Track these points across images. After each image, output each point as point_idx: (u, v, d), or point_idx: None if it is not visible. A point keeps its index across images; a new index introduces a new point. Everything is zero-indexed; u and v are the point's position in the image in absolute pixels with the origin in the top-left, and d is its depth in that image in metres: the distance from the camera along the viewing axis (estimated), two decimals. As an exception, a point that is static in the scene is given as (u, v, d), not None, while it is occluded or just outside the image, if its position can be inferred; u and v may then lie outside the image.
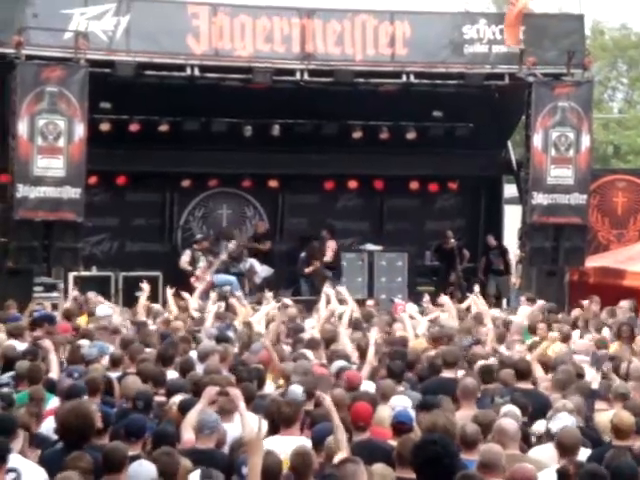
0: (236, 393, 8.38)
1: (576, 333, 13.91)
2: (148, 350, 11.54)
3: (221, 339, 12.27)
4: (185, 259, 19.93)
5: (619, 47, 41.08)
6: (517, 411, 8.58)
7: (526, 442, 8.39)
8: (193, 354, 11.32)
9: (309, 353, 11.55)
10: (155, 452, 7.34)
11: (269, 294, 15.54)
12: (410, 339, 12.73)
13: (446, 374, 10.66)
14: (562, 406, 8.78)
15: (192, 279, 19.04)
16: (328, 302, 14.42)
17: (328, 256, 20.40)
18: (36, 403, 8.91)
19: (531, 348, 12.23)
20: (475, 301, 15.42)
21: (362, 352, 11.59)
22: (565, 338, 13.16)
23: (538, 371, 10.84)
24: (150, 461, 6.99)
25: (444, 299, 15.39)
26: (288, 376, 10.22)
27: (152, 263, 19.95)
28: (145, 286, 15.31)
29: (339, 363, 10.73)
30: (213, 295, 15.49)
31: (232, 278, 19.39)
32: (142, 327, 13.44)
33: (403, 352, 11.47)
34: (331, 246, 20.57)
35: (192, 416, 8.17)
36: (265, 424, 8.62)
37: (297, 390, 9.23)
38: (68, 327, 13.28)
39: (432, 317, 14.49)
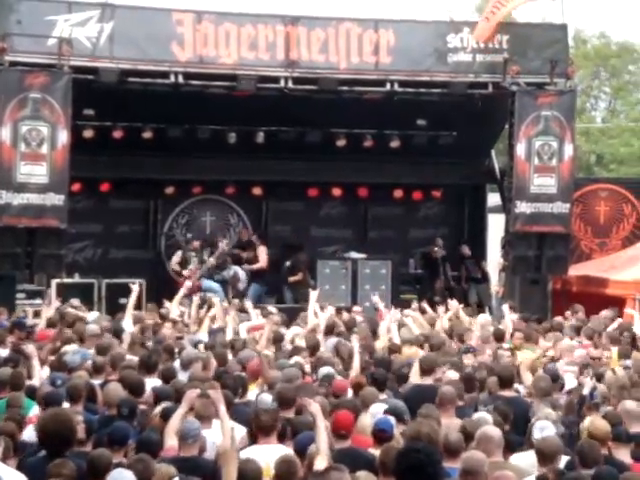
0: (217, 396, 8.34)
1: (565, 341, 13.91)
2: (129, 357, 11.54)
3: (207, 346, 12.26)
4: (176, 259, 20.01)
5: (601, 56, 41.27)
6: (489, 418, 8.57)
7: (508, 449, 8.40)
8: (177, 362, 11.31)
9: (298, 359, 11.56)
10: (129, 459, 7.33)
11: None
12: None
13: (425, 381, 10.68)
14: (545, 415, 8.81)
15: (181, 279, 19.01)
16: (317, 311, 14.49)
17: (262, 261, 20.29)
18: (16, 410, 8.85)
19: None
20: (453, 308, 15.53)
21: (343, 360, 11.63)
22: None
23: (528, 379, 10.87)
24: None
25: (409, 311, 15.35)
26: (274, 384, 10.20)
27: (136, 270, 19.88)
28: (135, 287, 15.21)
29: (324, 370, 10.73)
30: (195, 299, 15.48)
31: (216, 285, 19.39)
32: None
33: (388, 360, 11.47)
34: (262, 252, 20.44)
35: (174, 422, 8.14)
36: (244, 431, 8.64)
37: (266, 398, 9.23)
38: (48, 334, 13.21)
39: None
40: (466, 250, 21.60)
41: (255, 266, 20.41)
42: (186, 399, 8.34)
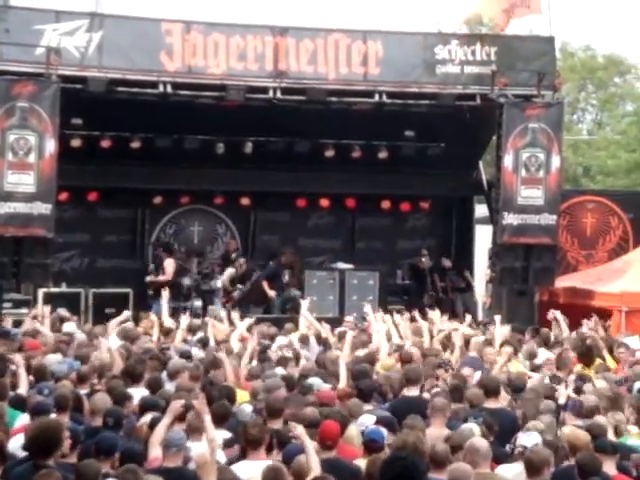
0: (201, 407, 8.34)
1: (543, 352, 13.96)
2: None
3: (186, 357, 12.24)
4: (229, 276, 20.32)
5: (587, 69, 41.40)
6: (476, 430, 8.58)
7: (494, 460, 8.41)
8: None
9: (279, 370, 11.55)
10: (119, 470, 7.31)
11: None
12: (381, 358, 12.76)
13: (410, 392, 10.67)
14: (532, 426, 8.83)
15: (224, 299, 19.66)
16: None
17: (167, 274, 19.92)
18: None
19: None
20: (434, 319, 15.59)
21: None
22: (531, 356, 13.35)
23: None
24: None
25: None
26: (256, 394, 10.20)
27: (123, 280, 19.89)
28: (126, 313, 15.24)
29: (313, 381, 10.73)
30: (186, 314, 15.46)
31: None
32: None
33: (365, 370, 11.44)
34: (169, 264, 20.04)
35: (159, 432, 8.13)
36: (227, 435, 8.63)
37: (246, 409, 9.23)
38: (36, 344, 13.18)
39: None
40: (447, 263, 21.70)
41: (160, 278, 19.85)
42: (170, 410, 8.34)
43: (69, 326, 15.28)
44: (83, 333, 14.52)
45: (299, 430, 7.94)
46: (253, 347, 12.56)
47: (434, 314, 16.05)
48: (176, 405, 8.37)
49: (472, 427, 8.67)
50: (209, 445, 7.95)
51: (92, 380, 10.84)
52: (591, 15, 58.50)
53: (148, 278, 19.98)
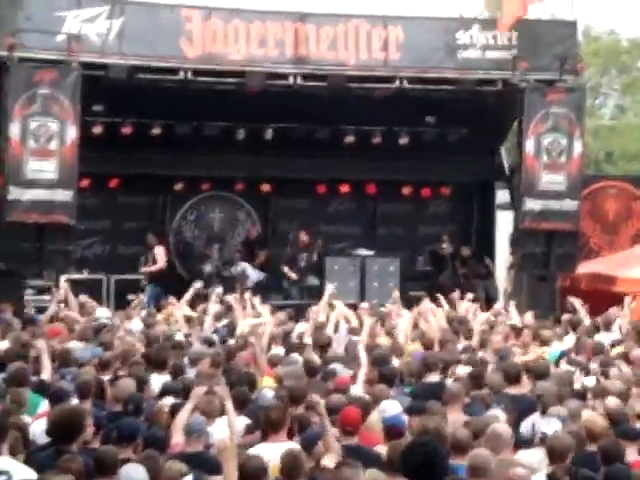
0: (223, 393, 8.38)
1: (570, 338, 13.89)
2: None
3: (210, 343, 12.27)
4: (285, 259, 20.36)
5: (610, 53, 41.15)
6: (500, 416, 8.57)
7: (514, 446, 8.40)
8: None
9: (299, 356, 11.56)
10: (139, 456, 7.35)
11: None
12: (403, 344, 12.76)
13: (431, 378, 10.67)
14: (553, 411, 8.80)
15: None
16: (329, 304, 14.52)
17: (160, 262, 19.91)
18: (17, 406, 8.85)
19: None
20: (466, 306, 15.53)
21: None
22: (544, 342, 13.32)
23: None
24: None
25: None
26: (281, 379, 10.22)
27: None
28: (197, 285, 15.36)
29: (334, 366, 10.74)
30: (214, 297, 15.49)
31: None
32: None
33: (385, 356, 11.43)
34: (160, 252, 20.03)
35: (182, 418, 8.18)
36: (244, 423, 8.65)
37: (267, 394, 9.25)
38: (60, 330, 13.24)
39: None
40: (466, 251, 21.56)
41: (153, 267, 19.87)
42: (193, 396, 8.38)
43: (102, 311, 15.34)
44: (116, 318, 14.57)
45: (321, 405, 7.98)
46: (271, 332, 12.60)
47: (455, 295, 15.99)
48: (199, 391, 8.41)
49: (497, 413, 8.65)
50: (230, 430, 7.99)
51: (115, 366, 10.88)
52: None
53: (142, 269, 19.89)
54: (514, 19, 18.79)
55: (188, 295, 15.88)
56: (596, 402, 9.55)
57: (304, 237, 20.51)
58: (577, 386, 10.42)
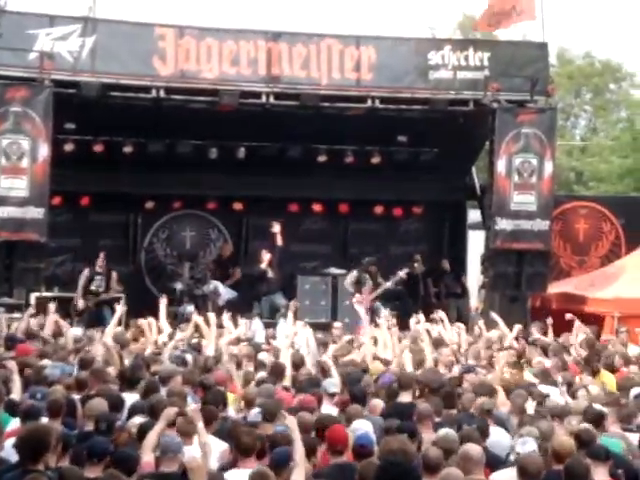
0: (195, 414, 8.35)
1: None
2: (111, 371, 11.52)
3: (180, 362, 12.22)
4: (351, 280, 19.92)
5: (584, 75, 41.51)
6: (454, 435, 8.57)
7: (488, 466, 8.40)
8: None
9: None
10: (102, 475, 7.29)
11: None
12: (368, 362, 12.77)
13: (403, 398, 10.61)
14: (527, 432, 8.81)
15: (353, 299, 19.22)
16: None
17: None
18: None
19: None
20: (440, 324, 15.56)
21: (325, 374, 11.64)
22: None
23: (500, 396, 10.88)
24: None
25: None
26: (251, 400, 10.19)
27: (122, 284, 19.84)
28: (119, 307, 15.22)
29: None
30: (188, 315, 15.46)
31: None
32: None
33: (358, 376, 11.44)
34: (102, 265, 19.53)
35: (152, 438, 8.13)
36: (224, 447, 8.62)
37: (258, 416, 9.22)
38: (29, 348, 13.15)
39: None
40: (446, 265, 21.63)
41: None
42: (164, 416, 8.34)
43: (75, 330, 15.23)
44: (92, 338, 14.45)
45: (290, 420, 7.98)
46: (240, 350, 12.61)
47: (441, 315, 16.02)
48: (169, 412, 8.38)
49: (442, 431, 8.66)
50: (202, 449, 7.97)
51: (89, 385, 10.82)
52: (591, 21, 58.66)
53: (102, 297, 19.39)
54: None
55: (163, 312, 15.81)
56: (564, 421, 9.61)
57: (265, 255, 20.26)
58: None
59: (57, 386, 10.42)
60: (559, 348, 14.39)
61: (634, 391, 11.12)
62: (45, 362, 11.80)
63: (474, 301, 21.74)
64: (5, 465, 7.87)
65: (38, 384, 10.54)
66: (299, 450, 7.68)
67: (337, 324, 16.98)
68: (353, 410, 9.55)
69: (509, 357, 13.15)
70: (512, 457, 8.36)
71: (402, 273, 20.05)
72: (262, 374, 11.73)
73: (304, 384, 11.12)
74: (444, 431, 8.64)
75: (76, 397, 10.14)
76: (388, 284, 19.83)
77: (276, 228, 19.86)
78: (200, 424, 8.22)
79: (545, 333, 16.02)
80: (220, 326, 15.54)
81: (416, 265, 21.37)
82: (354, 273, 20.02)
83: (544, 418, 9.58)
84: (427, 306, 20.79)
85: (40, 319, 15.29)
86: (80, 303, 18.92)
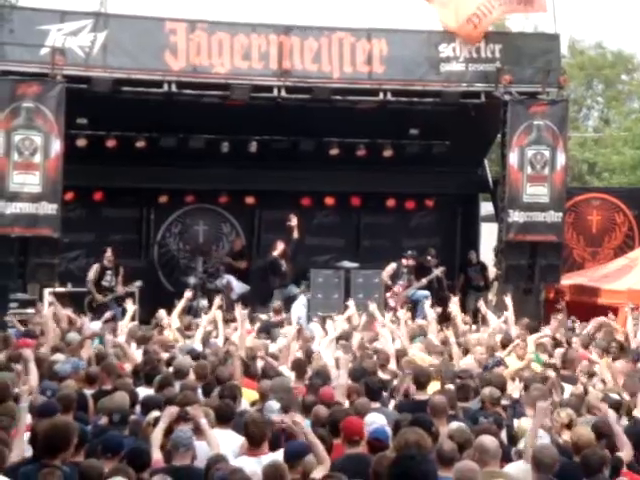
0: (195, 412, 8.39)
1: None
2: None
3: (195, 356, 12.25)
4: (388, 272, 19.94)
5: (595, 66, 41.39)
6: (468, 428, 8.57)
7: (503, 459, 8.40)
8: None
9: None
10: (111, 469, 7.31)
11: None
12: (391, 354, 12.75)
13: (419, 396, 10.49)
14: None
15: (389, 294, 19.27)
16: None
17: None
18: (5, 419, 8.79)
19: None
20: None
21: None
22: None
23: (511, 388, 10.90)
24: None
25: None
26: (264, 393, 10.20)
27: (128, 279, 19.85)
28: (130, 306, 15.30)
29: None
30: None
31: (426, 292, 19.37)
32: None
33: (370, 369, 11.42)
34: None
35: (157, 437, 8.19)
36: (241, 440, 8.65)
37: (274, 406, 9.24)
38: (30, 342, 13.14)
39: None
40: (473, 257, 21.52)
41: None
42: (165, 415, 8.38)
43: (95, 325, 15.26)
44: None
45: (301, 424, 7.99)
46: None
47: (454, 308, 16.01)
48: (170, 410, 8.43)
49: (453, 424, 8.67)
50: (210, 446, 8.04)
51: (100, 380, 10.85)
52: (603, 12, 58.47)
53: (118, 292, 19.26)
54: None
55: (179, 307, 15.85)
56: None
57: (279, 245, 20.25)
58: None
59: (68, 381, 10.46)
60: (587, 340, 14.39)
61: None
62: (58, 356, 11.84)
63: (490, 294, 21.68)
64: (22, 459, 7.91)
65: (49, 379, 10.58)
66: (320, 447, 7.69)
67: (350, 303, 16.75)
68: (362, 404, 9.54)
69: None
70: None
71: (438, 271, 20.06)
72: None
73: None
74: (457, 424, 8.64)
75: (88, 392, 10.18)
76: (423, 281, 19.85)
77: (293, 221, 19.87)
78: (203, 421, 8.28)
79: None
80: (233, 320, 15.59)
81: (429, 258, 21.27)
82: (392, 265, 20.03)
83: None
84: (440, 299, 20.77)
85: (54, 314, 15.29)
86: (97, 298, 18.94)
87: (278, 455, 7.90)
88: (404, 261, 20.05)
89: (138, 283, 18.97)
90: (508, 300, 16.14)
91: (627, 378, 11.40)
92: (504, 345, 13.78)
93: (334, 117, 19.29)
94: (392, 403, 10.61)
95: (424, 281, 19.84)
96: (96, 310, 18.15)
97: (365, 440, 8.30)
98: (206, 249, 21.58)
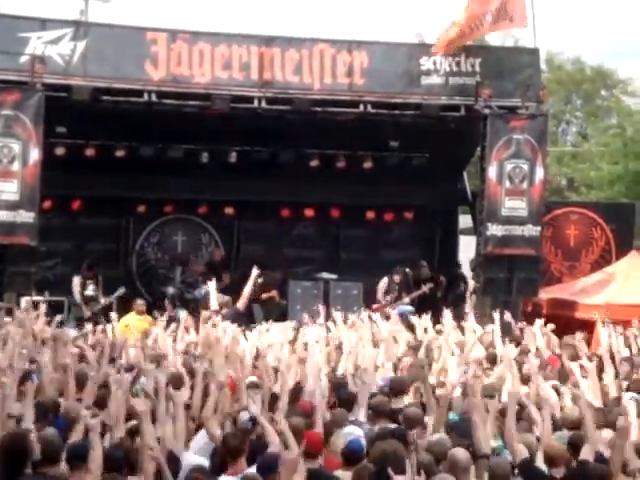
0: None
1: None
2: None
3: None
4: (382, 286, 20.08)
5: (574, 81, 41.59)
6: (447, 440, 8.55)
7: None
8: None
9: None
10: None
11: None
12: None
13: (395, 405, 10.36)
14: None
15: (374, 306, 19.33)
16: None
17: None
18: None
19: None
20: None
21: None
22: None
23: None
24: None
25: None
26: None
27: (106, 289, 19.80)
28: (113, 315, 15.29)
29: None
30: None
31: (410, 307, 19.42)
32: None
33: (344, 381, 11.39)
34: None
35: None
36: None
37: (244, 416, 9.20)
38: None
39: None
40: (442, 280, 21.44)
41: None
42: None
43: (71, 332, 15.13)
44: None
45: (284, 424, 7.95)
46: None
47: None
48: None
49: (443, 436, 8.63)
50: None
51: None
52: (580, 26, 58.83)
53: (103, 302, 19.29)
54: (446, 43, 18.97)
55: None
56: None
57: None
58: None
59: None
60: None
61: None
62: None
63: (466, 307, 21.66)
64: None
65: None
66: (297, 457, 7.61)
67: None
68: (339, 414, 9.51)
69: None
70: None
71: (425, 288, 20.10)
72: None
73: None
74: (437, 436, 8.62)
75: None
76: (413, 295, 20.06)
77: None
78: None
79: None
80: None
81: (422, 271, 21.23)
82: (385, 280, 20.18)
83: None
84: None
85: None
86: (85, 311, 18.84)
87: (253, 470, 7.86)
88: (396, 277, 20.11)
89: (122, 290, 18.92)
90: (496, 315, 16.06)
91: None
92: (491, 361, 13.72)
93: (314, 128, 19.31)
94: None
95: (407, 300, 19.92)
96: (86, 322, 18.06)
97: (325, 453, 8.26)
98: (184, 259, 21.54)
